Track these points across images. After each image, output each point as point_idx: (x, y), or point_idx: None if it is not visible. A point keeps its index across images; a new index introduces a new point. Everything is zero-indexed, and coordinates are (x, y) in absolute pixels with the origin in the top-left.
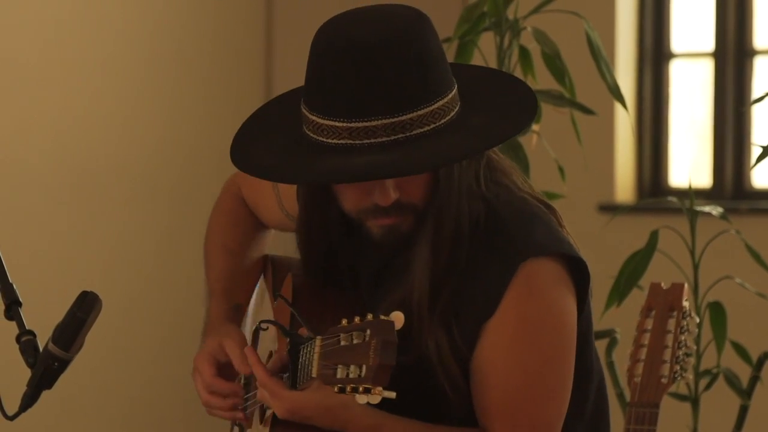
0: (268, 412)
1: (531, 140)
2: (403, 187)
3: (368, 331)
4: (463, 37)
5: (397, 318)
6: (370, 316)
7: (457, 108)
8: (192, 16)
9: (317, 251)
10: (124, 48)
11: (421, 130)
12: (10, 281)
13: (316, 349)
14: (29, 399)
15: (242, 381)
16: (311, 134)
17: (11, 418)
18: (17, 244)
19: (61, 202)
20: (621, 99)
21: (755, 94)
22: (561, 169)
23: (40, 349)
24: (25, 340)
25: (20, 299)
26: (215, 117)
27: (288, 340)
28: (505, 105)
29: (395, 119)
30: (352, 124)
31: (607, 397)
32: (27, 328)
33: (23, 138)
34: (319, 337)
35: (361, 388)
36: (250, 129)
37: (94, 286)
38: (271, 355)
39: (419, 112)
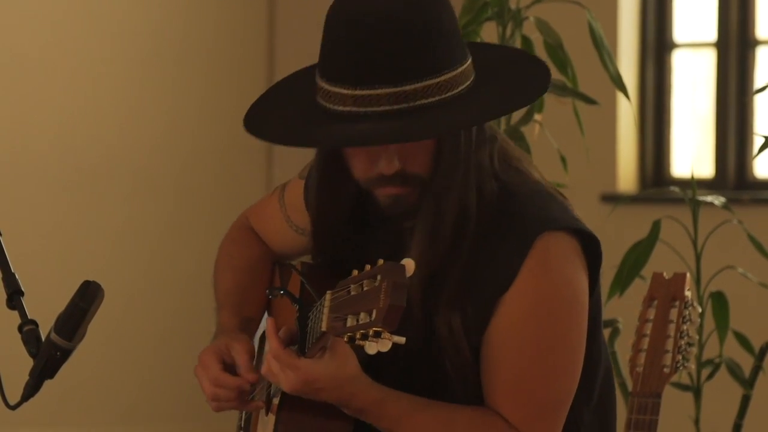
0: (275, 401)
1: (533, 130)
2: (408, 157)
3: (378, 276)
4: (465, 27)
5: (408, 263)
6: (380, 262)
7: (468, 83)
8: (193, 12)
9: (330, 235)
10: (125, 42)
11: (426, 101)
12: (13, 271)
13: (326, 304)
14: (31, 388)
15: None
16: (321, 101)
17: (13, 408)
18: (20, 234)
19: (63, 194)
20: (623, 89)
21: (758, 84)
22: (563, 159)
23: (43, 339)
24: (28, 330)
25: (22, 289)
26: (216, 111)
27: (297, 308)
28: (516, 81)
29: (399, 89)
30: (357, 92)
31: (614, 385)
32: (29, 317)
33: (26, 131)
34: (329, 292)
35: (371, 332)
36: (267, 99)
37: (96, 277)
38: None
39: (425, 83)
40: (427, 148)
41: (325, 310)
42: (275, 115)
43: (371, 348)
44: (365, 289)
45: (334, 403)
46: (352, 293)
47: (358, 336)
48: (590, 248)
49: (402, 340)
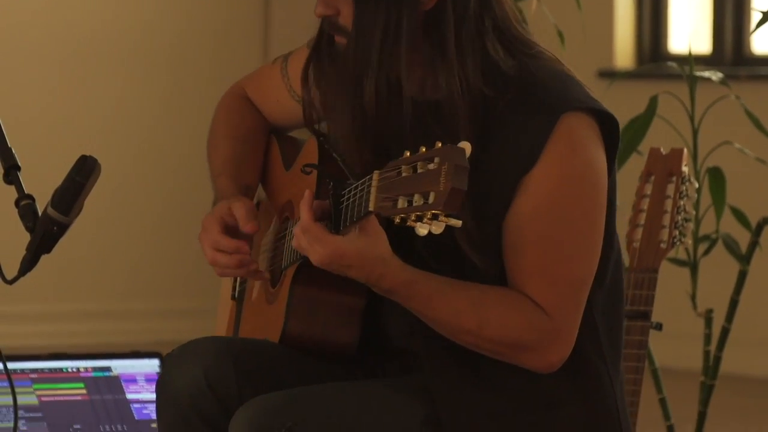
0: (287, 272)
1: (530, 5)
2: (339, 8)
3: (437, 159)
4: None
5: (466, 146)
6: (438, 144)
7: None
8: None
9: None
10: None
11: None
12: (9, 146)
13: (374, 184)
14: (28, 263)
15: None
16: None
17: (10, 282)
18: (16, 108)
19: (60, 67)
20: None
21: None
22: (560, 35)
23: (39, 214)
24: (24, 205)
25: (19, 163)
26: None
27: (330, 185)
28: None
29: None
30: None
31: (623, 271)
32: (26, 192)
33: (22, 4)
34: (376, 172)
35: (428, 215)
36: None
37: (93, 151)
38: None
39: None
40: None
41: (373, 190)
42: None
43: (423, 229)
44: (419, 171)
45: (362, 282)
46: (404, 174)
47: (412, 217)
48: (608, 129)
49: (458, 223)
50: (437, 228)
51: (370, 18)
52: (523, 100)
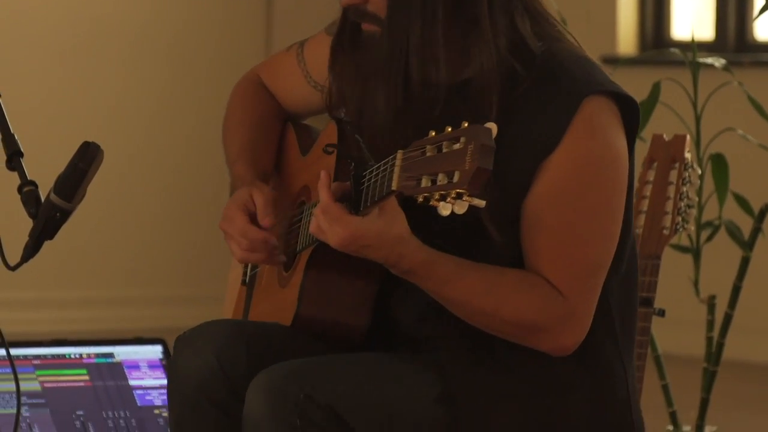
0: (301, 256)
1: None
2: None
3: (462, 138)
4: None
5: (493, 126)
6: (465, 124)
7: None
8: None
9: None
10: None
11: None
12: (12, 132)
13: (397, 163)
14: (31, 249)
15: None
16: None
17: (13, 269)
18: (19, 94)
19: (64, 54)
20: None
21: None
22: (563, 21)
23: (42, 200)
24: (27, 191)
25: (22, 150)
26: None
27: (352, 165)
28: None
29: None
30: None
31: (637, 259)
32: (29, 178)
33: None
34: (400, 151)
35: (452, 194)
36: None
37: (96, 138)
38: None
39: None
40: None
41: (396, 169)
42: None
43: (445, 209)
44: (445, 150)
45: (381, 262)
46: (428, 154)
47: (435, 197)
48: (629, 113)
49: (482, 203)
50: (460, 208)
51: (404, 2)
52: (544, 83)
